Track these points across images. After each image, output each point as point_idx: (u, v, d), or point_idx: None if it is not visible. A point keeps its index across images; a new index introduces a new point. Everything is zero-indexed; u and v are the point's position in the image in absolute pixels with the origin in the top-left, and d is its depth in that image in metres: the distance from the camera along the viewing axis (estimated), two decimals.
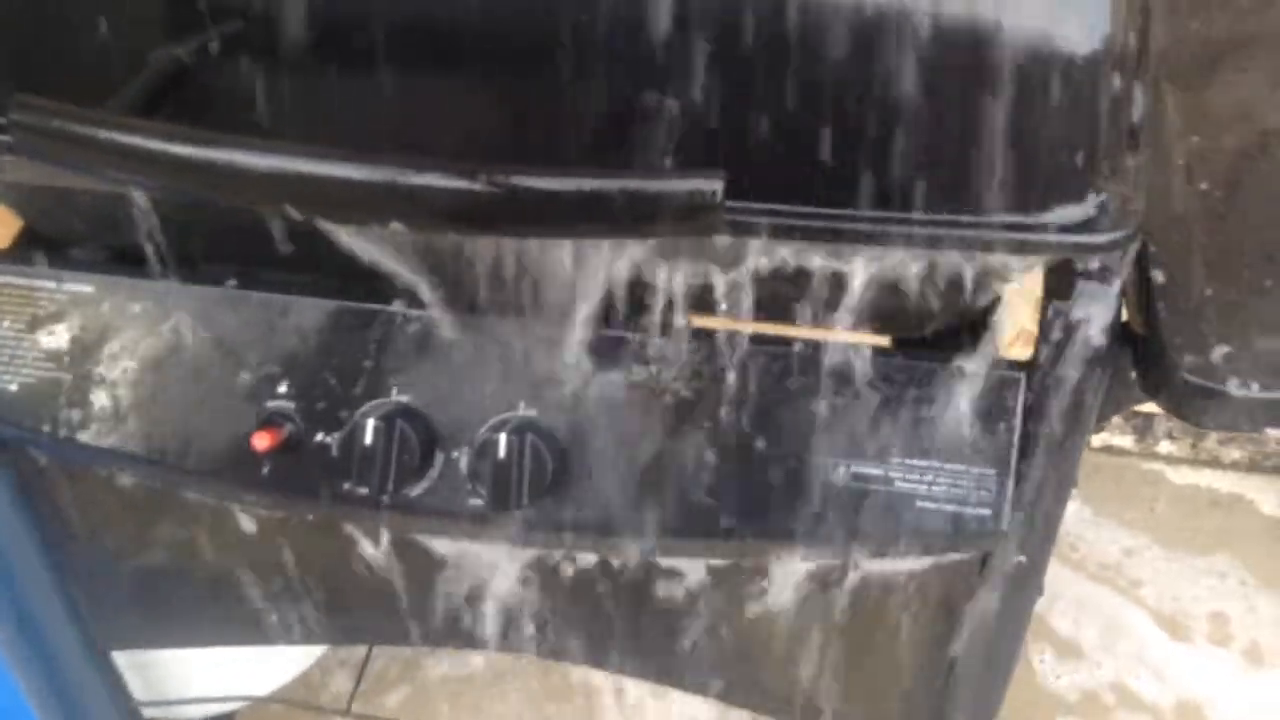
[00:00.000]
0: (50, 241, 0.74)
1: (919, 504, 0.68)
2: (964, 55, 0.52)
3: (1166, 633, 1.50)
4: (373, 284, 0.69)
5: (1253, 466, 1.58)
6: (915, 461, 0.68)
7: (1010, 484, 0.68)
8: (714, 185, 0.48)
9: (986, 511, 0.68)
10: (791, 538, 0.68)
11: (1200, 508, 1.57)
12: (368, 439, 0.68)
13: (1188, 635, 1.55)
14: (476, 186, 0.48)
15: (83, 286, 0.71)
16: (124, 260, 0.72)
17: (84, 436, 0.72)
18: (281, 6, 0.55)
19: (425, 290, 0.66)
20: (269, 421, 0.69)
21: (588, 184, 0.48)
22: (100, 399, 0.71)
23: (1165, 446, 1.58)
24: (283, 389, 0.70)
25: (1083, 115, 0.54)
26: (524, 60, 0.55)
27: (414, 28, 0.55)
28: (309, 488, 0.70)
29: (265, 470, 0.70)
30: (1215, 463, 1.59)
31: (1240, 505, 1.56)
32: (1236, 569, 1.59)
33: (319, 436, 0.70)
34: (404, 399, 0.70)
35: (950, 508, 0.68)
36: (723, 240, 0.56)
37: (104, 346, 0.71)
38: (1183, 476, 1.59)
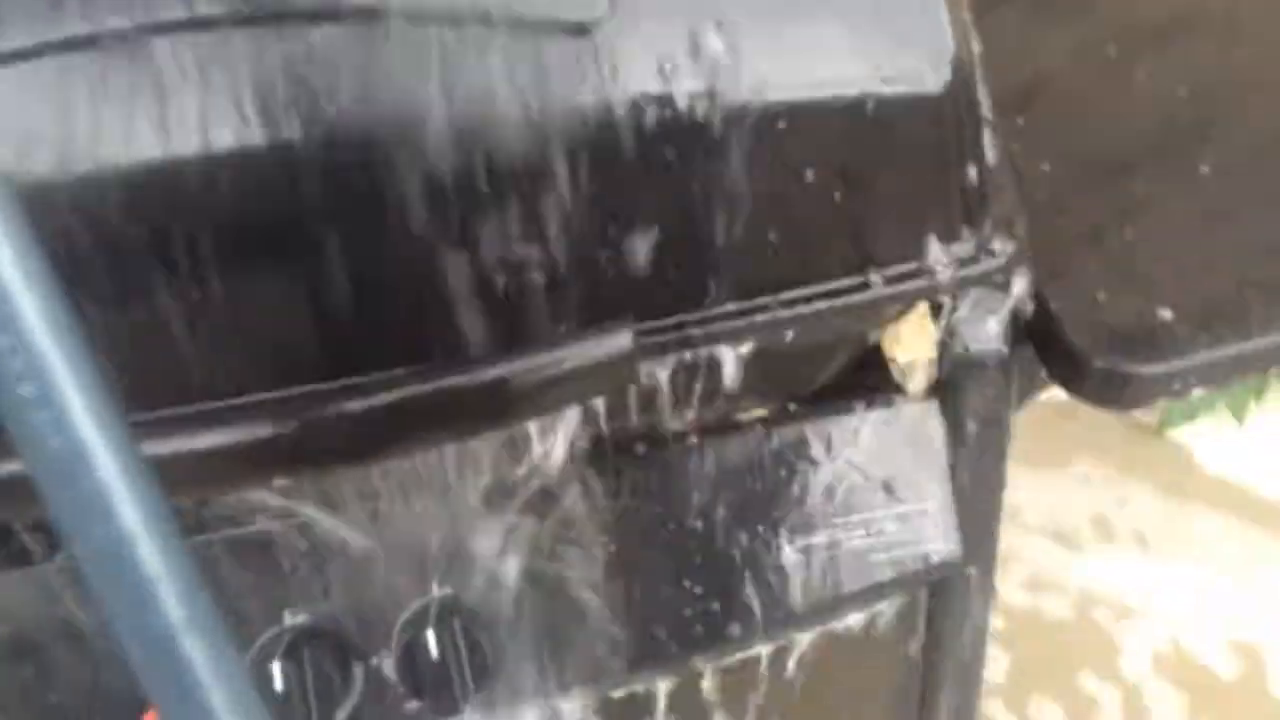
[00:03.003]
0: None
1: (872, 557, 0.65)
2: (819, 122, 0.49)
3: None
4: (232, 508, 0.61)
5: None
6: (855, 517, 0.65)
7: (951, 509, 0.66)
8: (623, 340, 0.43)
9: (939, 545, 0.65)
10: (751, 633, 0.64)
11: (1051, 419, 1.62)
12: (276, 682, 0.60)
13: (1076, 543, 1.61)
14: (381, 402, 0.42)
15: None
16: None
17: None
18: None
19: (298, 502, 0.58)
20: None
21: (495, 372, 0.42)
22: None
23: None
24: None
25: (944, 154, 0.52)
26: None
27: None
28: None
29: None
30: None
31: (1088, 411, 1.62)
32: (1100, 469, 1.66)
33: None
34: (300, 620, 0.62)
35: (901, 552, 0.65)
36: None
37: None
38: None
